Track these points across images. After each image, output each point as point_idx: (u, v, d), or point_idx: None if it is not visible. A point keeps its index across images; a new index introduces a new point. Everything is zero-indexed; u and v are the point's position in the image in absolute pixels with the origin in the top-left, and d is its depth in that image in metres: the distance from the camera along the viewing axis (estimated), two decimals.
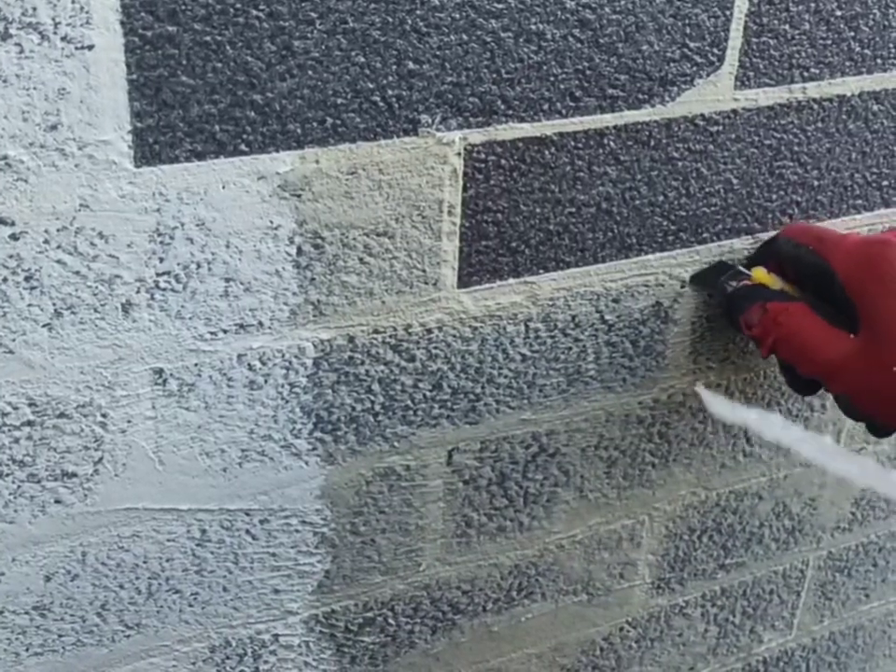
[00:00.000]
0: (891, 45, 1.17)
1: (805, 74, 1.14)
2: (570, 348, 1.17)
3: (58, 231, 0.87)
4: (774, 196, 1.20)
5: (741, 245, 1.21)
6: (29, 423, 0.94)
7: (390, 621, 1.25)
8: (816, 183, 1.22)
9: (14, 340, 0.90)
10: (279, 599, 1.16)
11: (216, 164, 0.91)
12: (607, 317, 1.17)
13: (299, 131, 0.93)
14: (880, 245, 1.05)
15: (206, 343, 0.98)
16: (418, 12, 0.92)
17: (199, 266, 0.94)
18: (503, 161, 1.03)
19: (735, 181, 1.16)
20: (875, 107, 1.21)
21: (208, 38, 0.86)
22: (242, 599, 1.14)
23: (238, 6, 0.86)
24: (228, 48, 0.87)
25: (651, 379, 1.25)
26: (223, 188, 0.92)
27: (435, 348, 1.09)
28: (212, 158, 0.90)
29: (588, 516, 1.31)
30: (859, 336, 1.04)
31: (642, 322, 1.20)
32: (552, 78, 1.01)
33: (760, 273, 1.15)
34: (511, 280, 1.10)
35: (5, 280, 0.87)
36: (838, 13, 1.12)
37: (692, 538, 1.42)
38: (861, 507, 1.57)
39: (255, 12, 0.87)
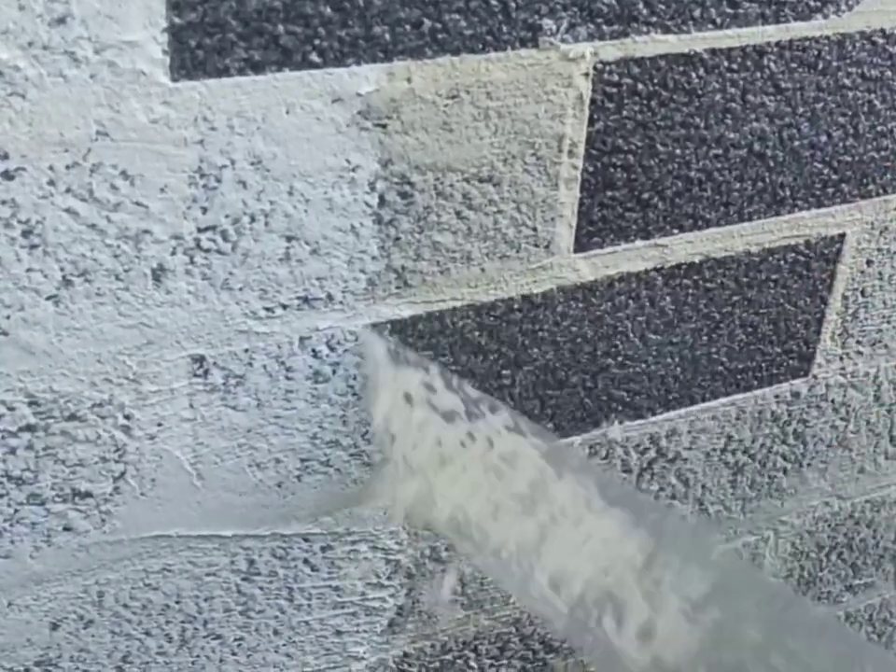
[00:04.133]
0: None
1: None
2: (701, 329, 0.94)
3: (67, 168, 0.64)
4: None
5: None
6: (29, 428, 0.71)
7: (472, 663, 1.02)
8: None
9: (9, 317, 0.67)
10: (342, 643, 0.93)
11: (278, 80, 0.68)
12: (747, 291, 0.94)
13: (387, 37, 0.69)
14: None
15: (261, 322, 0.75)
16: None
17: (253, 219, 0.71)
18: (640, 86, 0.80)
19: None
20: None
21: None
22: (296, 644, 0.91)
23: None
24: None
25: (792, 367, 1.02)
26: (287, 113, 0.69)
27: (540, 330, 0.86)
28: (273, 71, 0.67)
29: None
30: None
31: (787, 298, 0.97)
32: None
33: None
34: (639, 242, 0.87)
35: None
36: None
37: (819, 556, 1.19)
38: None
39: None
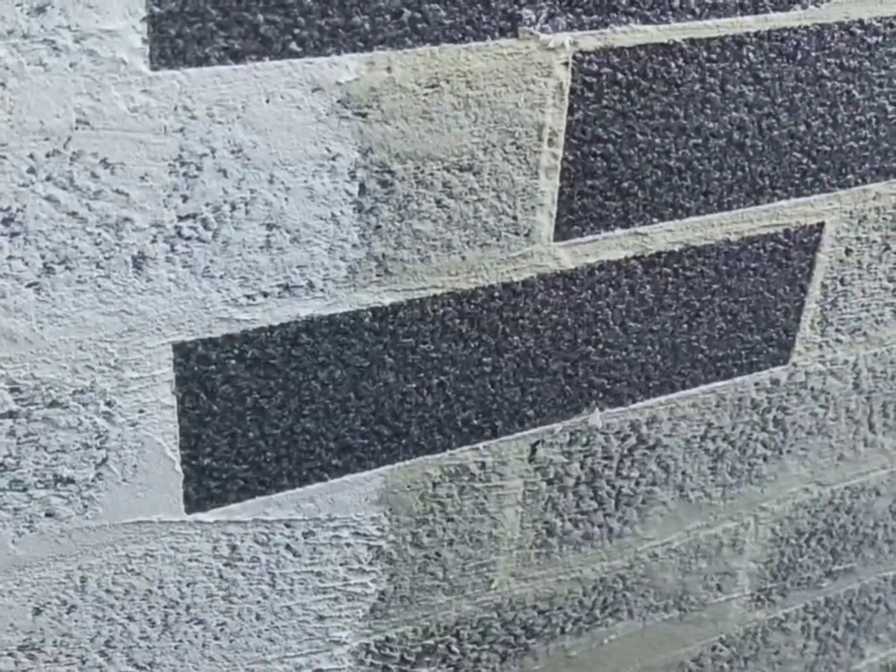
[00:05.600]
0: None
1: None
2: (681, 317, 0.94)
3: (47, 156, 0.64)
4: None
5: (888, 191, 0.98)
6: (11, 414, 0.71)
7: (454, 648, 1.03)
8: None
9: None
10: (324, 627, 0.93)
11: (258, 69, 0.68)
12: (727, 279, 0.95)
13: (367, 26, 0.70)
14: None
15: (241, 309, 0.75)
16: None
17: (234, 208, 0.71)
18: (619, 76, 0.80)
19: (890, 107, 0.93)
20: None
21: None
22: (279, 629, 0.91)
23: None
24: None
25: (771, 355, 1.02)
26: (267, 101, 0.69)
27: (521, 318, 0.87)
28: (253, 60, 0.68)
29: (687, 519, 1.09)
30: None
31: (767, 286, 0.97)
32: None
33: None
34: (619, 231, 0.87)
35: None
36: None
37: (799, 541, 1.20)
38: None
39: None
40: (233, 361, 0.77)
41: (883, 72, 0.91)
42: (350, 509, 0.89)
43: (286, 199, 0.73)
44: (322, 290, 0.78)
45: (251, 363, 0.78)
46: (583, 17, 0.76)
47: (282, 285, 0.76)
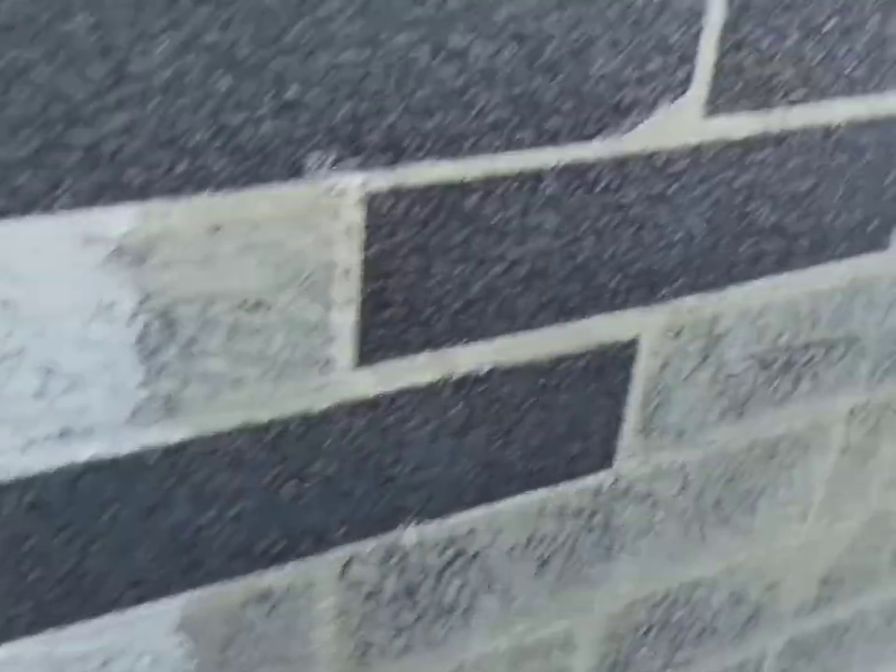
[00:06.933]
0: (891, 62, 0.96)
1: (788, 98, 0.92)
2: (494, 434, 0.94)
3: None
4: (742, 245, 0.98)
5: (703, 303, 0.99)
6: None
7: None
8: (792, 229, 1.00)
9: None
10: None
11: (24, 223, 0.66)
12: (540, 395, 0.95)
13: (141, 179, 0.68)
14: None
15: (15, 457, 0.73)
16: (300, 24, 0.69)
17: (4, 359, 0.70)
18: (414, 211, 0.80)
19: (698, 229, 0.94)
20: (866, 138, 0.99)
21: (13, 55, 0.62)
22: None
23: (49, 15, 0.62)
24: (40, 69, 0.63)
25: (593, 462, 1.03)
26: (35, 255, 0.67)
27: (322, 444, 0.86)
28: (17, 217, 0.66)
29: (514, 623, 1.09)
30: None
31: (584, 398, 0.97)
32: (477, 107, 0.78)
33: None
34: (423, 357, 0.87)
35: None
36: (828, 25, 0.91)
37: (636, 636, 1.21)
38: (830, 585, 1.36)
39: (73, 23, 0.62)
40: (8, 510, 0.75)
41: (688, 197, 0.92)
42: (150, 637, 0.87)
43: (59, 348, 0.71)
44: (103, 433, 0.76)
45: (28, 508, 0.76)
46: (374, 158, 0.76)
47: (60, 430, 0.74)
